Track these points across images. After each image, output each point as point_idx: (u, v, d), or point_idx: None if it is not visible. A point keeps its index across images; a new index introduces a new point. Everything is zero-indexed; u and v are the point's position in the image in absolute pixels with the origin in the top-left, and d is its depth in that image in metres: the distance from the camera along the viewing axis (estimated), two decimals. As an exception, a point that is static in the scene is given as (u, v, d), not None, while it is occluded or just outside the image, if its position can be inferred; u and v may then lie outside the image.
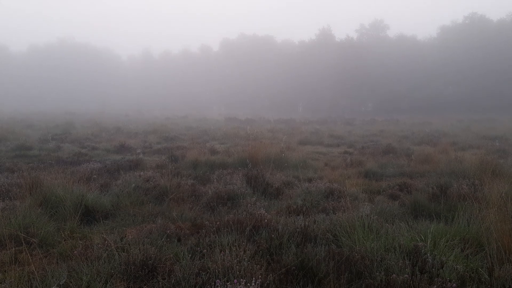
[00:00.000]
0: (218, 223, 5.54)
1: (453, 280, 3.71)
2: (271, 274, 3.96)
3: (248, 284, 3.59)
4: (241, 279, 3.64)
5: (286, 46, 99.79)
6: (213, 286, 3.66)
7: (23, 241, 4.84)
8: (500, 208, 5.41)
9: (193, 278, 3.93)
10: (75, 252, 4.72)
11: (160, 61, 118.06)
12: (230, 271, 3.92)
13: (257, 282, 3.60)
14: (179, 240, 5.26)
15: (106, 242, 4.99)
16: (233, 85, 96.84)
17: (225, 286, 3.61)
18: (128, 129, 27.50)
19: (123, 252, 4.59)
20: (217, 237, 5.05)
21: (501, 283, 3.64)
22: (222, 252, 4.28)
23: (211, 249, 4.68)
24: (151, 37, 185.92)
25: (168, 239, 5.24)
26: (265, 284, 3.79)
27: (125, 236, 5.53)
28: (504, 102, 66.95)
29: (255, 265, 4.07)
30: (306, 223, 5.20)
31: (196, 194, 8.07)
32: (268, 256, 4.46)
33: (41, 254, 5.06)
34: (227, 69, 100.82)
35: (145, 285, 4.17)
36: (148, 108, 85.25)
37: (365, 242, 4.56)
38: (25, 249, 4.82)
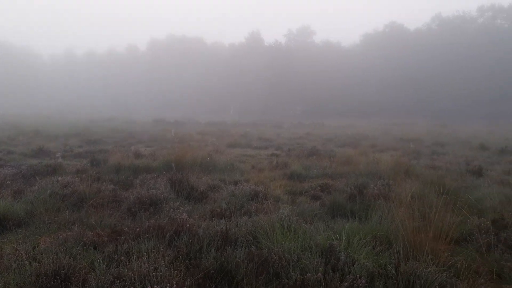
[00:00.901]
0: (138, 229, 5.42)
1: (363, 277, 3.91)
2: (188, 279, 3.93)
3: (164, 290, 3.54)
4: (156, 286, 3.59)
5: (216, 49, 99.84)
6: (128, 294, 3.57)
7: None
8: (408, 206, 5.80)
9: (107, 287, 3.81)
10: (-19, 264, 4.39)
11: (84, 61, 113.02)
12: (146, 278, 3.85)
13: None
14: (95, 247, 5.06)
15: (17, 252, 4.70)
16: (163, 86, 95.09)
17: (141, 293, 3.53)
18: (48, 132, 26.00)
19: (35, 262, 4.36)
20: (136, 243, 4.93)
21: (406, 277, 3.89)
22: (139, 259, 4.19)
23: (128, 256, 4.57)
24: (75, 36, 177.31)
25: (85, 247, 5.03)
26: (183, 289, 3.76)
27: (38, 245, 5.24)
28: (421, 106, 71.67)
29: (173, 271, 4.03)
30: (228, 226, 5.22)
31: (118, 199, 7.81)
32: (187, 261, 4.43)
33: None
34: (155, 70, 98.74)
35: (56, 296, 3.98)
36: (72, 110, 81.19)
37: (283, 243, 4.67)
38: None
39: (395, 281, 3.86)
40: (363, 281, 3.78)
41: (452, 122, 51.49)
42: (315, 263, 4.16)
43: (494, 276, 4.47)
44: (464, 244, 5.67)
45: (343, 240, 4.84)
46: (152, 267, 3.99)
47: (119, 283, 3.83)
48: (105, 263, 4.40)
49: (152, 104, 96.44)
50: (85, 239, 5.24)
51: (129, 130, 29.30)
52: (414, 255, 4.48)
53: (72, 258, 4.51)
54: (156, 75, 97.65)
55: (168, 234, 5.19)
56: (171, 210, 6.60)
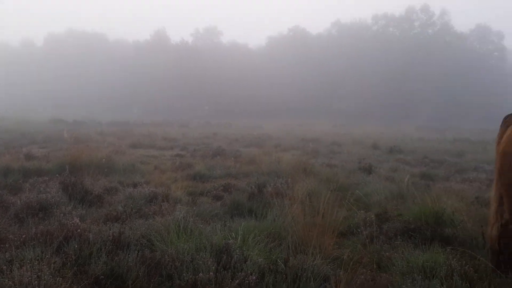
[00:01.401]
0: (24, 236, 5.06)
1: (254, 273, 4.03)
2: (75, 286, 3.76)
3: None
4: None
5: (120, 46, 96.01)
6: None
7: None
8: (302, 203, 6.09)
9: (-17, 301, 3.51)
10: None
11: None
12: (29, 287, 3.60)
13: (58, 296, 3.38)
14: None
15: None
16: (61, 85, 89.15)
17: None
18: None
19: None
20: (20, 251, 4.60)
21: (294, 271, 4.09)
22: (22, 267, 3.91)
23: (11, 265, 4.24)
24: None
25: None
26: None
27: None
28: (322, 108, 75.47)
29: (59, 279, 3.82)
30: (121, 230, 5.08)
31: (4, 205, 7.20)
32: (75, 268, 4.23)
33: None
34: (54, 67, 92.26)
35: None
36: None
37: (178, 244, 4.65)
38: None
39: (284, 275, 4.04)
40: (254, 277, 3.91)
41: (350, 123, 54.94)
42: (209, 262, 4.21)
43: (374, 266, 4.85)
44: (351, 237, 6.10)
45: (238, 239, 4.94)
46: (35, 276, 3.75)
47: (-4, 295, 3.55)
48: (-17, 274, 4.04)
49: (50, 103, 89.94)
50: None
51: (21, 131, 27.06)
52: (302, 249, 4.73)
53: None
54: (54, 72, 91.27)
55: (57, 240, 4.91)
56: (62, 215, 6.24)
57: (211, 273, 3.91)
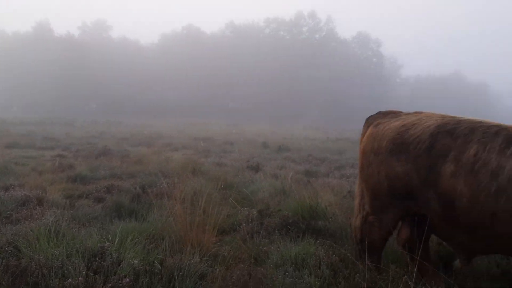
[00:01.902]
0: None
1: (129, 276, 3.94)
2: None
3: None
4: None
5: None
6: None
7: None
8: (189, 202, 6.08)
9: None
10: None
11: None
12: None
13: None
14: None
15: None
16: None
17: None
18: None
19: None
20: None
21: (171, 271, 4.07)
22: None
23: None
24: None
25: None
26: None
27: None
28: (216, 107, 75.95)
29: None
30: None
31: None
32: None
33: None
34: None
35: None
36: None
37: (47, 250, 4.36)
38: None
39: (159, 276, 4.01)
40: (127, 280, 3.81)
41: (243, 122, 56.08)
42: (81, 267, 4.01)
43: (252, 260, 5.03)
44: (233, 234, 6.25)
45: (115, 241, 4.78)
46: None
47: None
48: None
49: None
50: None
51: None
52: (181, 248, 4.73)
53: None
54: None
55: None
56: None
57: (80, 278, 3.73)
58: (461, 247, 4.37)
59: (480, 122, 4.32)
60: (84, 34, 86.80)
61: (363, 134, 4.97)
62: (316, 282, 4.06)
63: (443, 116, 4.48)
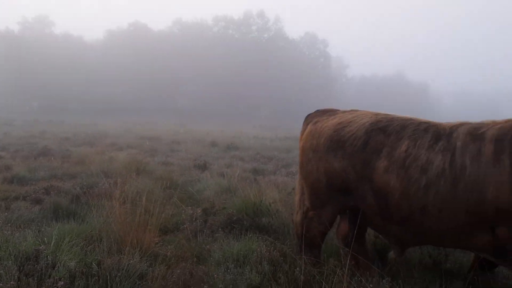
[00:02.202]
0: None
1: (64, 278, 3.81)
2: None
3: None
4: None
5: None
6: None
7: None
8: (125, 202, 5.95)
9: None
10: None
11: None
12: None
13: None
14: None
15: None
16: None
17: None
18: None
19: None
20: None
21: (108, 272, 3.98)
22: None
23: None
24: None
25: None
26: None
27: None
28: (164, 105, 74.71)
29: None
30: None
31: None
32: None
33: None
34: None
35: None
36: None
37: (-25, 256, 4.14)
38: None
39: (96, 277, 3.91)
40: (62, 283, 3.69)
41: (192, 121, 55.53)
42: (13, 271, 3.83)
43: (195, 259, 5.01)
44: (177, 233, 6.19)
45: (51, 243, 4.61)
46: None
47: None
48: None
49: None
50: None
51: None
52: (120, 249, 4.64)
53: None
54: None
55: None
56: None
57: (12, 282, 3.57)
58: (395, 239, 4.57)
59: (411, 119, 4.54)
60: (24, 30, 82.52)
61: (302, 132, 5.09)
62: (256, 277, 4.11)
63: (377, 114, 4.67)
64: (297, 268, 4.24)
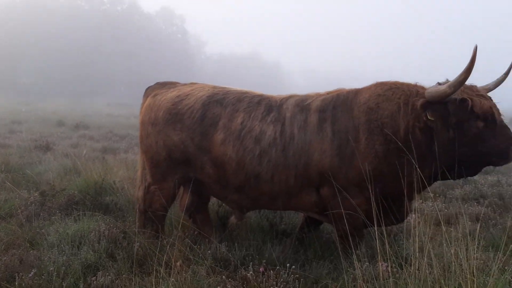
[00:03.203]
0: None
1: None
2: None
3: None
4: None
5: None
6: None
7: None
8: None
9: None
10: None
11: None
12: None
13: None
14: None
15: None
16: None
17: None
18: None
19: None
20: None
21: None
22: None
23: None
24: None
25: None
26: None
27: None
28: (2, 83, 66.30)
29: None
30: None
31: None
32: None
33: None
34: None
35: None
36: None
37: None
38: None
39: None
40: None
41: (37, 99, 50.38)
42: None
43: (28, 245, 4.64)
44: (10, 220, 5.63)
45: None
46: None
47: None
48: None
49: None
50: None
51: None
52: None
53: None
54: None
55: None
56: None
57: None
58: (234, 205, 4.82)
59: (246, 92, 4.76)
60: None
61: (142, 105, 4.98)
62: (92, 256, 3.97)
63: (214, 87, 4.79)
64: (138, 243, 4.21)
